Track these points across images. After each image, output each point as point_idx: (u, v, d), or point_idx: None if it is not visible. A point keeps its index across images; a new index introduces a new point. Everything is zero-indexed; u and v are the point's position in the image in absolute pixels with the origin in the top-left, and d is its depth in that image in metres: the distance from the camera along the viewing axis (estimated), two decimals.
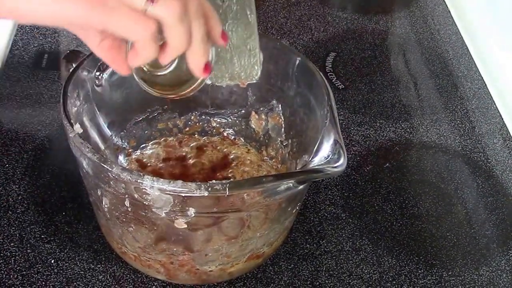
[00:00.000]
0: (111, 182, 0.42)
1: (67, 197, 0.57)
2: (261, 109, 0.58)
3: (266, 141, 0.58)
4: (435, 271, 0.55)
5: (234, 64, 0.46)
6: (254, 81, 0.47)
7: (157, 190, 0.40)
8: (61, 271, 0.51)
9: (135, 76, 0.43)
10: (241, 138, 0.60)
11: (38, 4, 0.34)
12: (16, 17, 0.35)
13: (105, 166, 0.41)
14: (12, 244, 0.53)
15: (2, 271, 0.51)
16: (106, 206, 0.46)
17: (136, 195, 0.42)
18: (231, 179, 0.56)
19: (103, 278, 0.51)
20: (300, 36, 0.81)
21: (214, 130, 0.60)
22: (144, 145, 0.58)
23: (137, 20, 0.35)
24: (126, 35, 0.36)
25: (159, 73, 0.42)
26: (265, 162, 0.59)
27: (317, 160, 0.43)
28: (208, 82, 0.48)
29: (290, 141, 0.56)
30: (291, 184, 0.42)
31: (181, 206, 0.41)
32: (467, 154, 0.67)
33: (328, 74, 0.75)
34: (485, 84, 0.76)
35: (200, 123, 0.60)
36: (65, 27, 0.37)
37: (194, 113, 0.60)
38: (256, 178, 0.52)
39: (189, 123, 0.60)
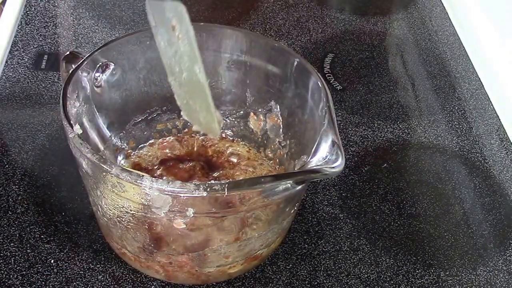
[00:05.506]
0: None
1: (67, 197, 0.57)
2: (260, 110, 0.58)
3: (265, 142, 0.59)
4: (432, 271, 0.55)
5: (198, 116, 0.46)
6: (217, 138, 0.47)
7: (156, 191, 0.40)
8: (61, 271, 0.52)
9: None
10: (240, 139, 0.60)
11: None
12: None
13: (104, 166, 0.41)
14: (12, 244, 0.53)
15: (2, 271, 0.51)
16: (105, 206, 0.46)
17: (135, 196, 0.42)
18: (230, 179, 0.56)
19: (102, 278, 0.51)
20: (298, 37, 0.81)
21: None
22: (143, 145, 0.59)
23: None
24: None
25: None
26: (264, 162, 0.59)
27: (315, 161, 0.43)
28: (185, 118, 0.48)
29: (288, 141, 0.56)
30: (289, 185, 0.42)
31: (180, 207, 0.42)
32: (465, 154, 0.67)
33: (326, 75, 0.75)
34: (482, 85, 0.76)
35: None
36: None
37: None
38: (255, 178, 0.52)
39: (188, 124, 0.60)
